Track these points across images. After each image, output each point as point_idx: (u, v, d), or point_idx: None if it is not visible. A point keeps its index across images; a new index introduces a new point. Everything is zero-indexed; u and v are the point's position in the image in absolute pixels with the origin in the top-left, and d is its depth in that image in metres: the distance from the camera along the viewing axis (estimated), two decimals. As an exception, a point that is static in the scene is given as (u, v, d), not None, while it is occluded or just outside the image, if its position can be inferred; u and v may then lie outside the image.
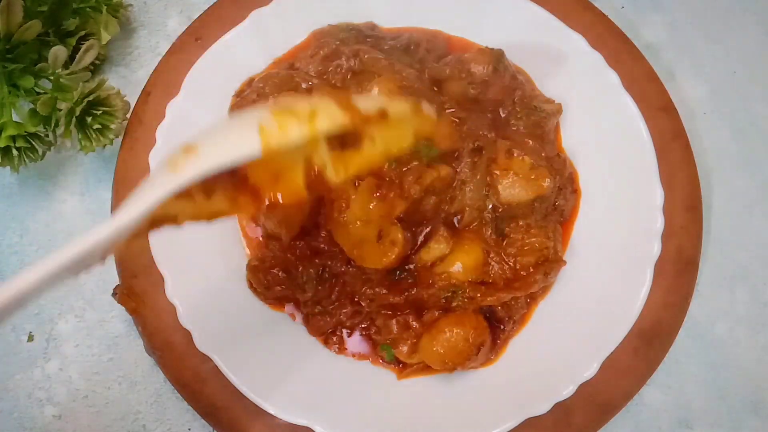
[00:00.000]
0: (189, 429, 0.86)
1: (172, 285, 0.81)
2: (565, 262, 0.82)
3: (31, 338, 0.90)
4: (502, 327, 0.82)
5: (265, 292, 0.82)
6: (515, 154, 0.81)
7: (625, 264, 0.82)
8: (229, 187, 0.56)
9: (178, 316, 0.80)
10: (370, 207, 0.75)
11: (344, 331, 0.84)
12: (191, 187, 0.52)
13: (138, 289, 0.84)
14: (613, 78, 0.87)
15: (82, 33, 0.90)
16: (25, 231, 0.93)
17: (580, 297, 0.83)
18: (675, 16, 1.01)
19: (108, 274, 0.90)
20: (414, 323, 0.80)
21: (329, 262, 0.81)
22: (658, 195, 0.83)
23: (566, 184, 0.85)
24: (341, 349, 0.83)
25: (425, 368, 0.81)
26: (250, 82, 0.90)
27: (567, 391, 0.77)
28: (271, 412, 0.77)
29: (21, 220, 0.94)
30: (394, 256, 0.76)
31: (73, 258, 0.47)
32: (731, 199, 0.92)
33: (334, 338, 0.83)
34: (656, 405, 0.85)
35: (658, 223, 0.82)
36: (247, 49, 0.91)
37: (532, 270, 0.80)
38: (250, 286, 0.84)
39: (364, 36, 0.91)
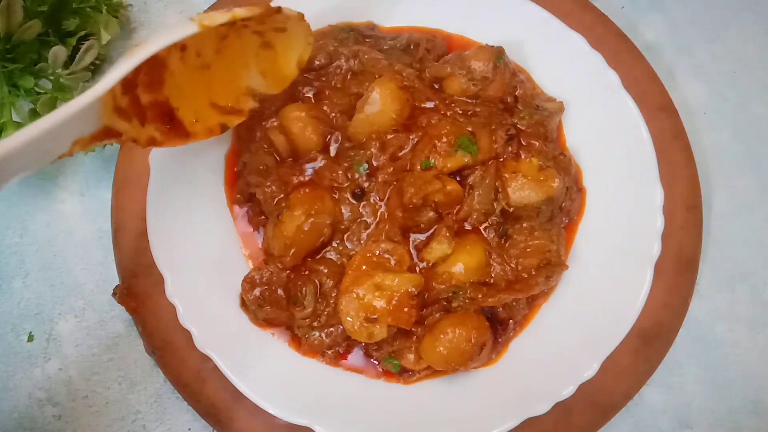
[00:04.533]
0: (189, 429, 0.86)
1: (172, 285, 0.81)
2: (567, 267, 0.82)
3: (31, 338, 0.90)
4: (503, 328, 0.82)
5: (257, 310, 0.81)
6: (522, 156, 0.82)
7: (625, 264, 0.82)
8: (159, 120, 0.74)
9: (178, 316, 0.80)
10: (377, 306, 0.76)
11: (338, 349, 0.83)
12: (129, 110, 0.70)
13: (138, 289, 0.84)
14: (613, 78, 0.87)
15: (82, 33, 0.90)
16: (25, 231, 0.93)
17: (581, 297, 0.82)
18: (675, 16, 1.01)
19: (108, 274, 0.90)
20: (415, 328, 0.79)
21: (326, 279, 0.80)
22: (658, 195, 0.83)
23: (572, 183, 0.85)
24: (336, 362, 0.82)
25: (431, 372, 0.80)
26: None
27: (567, 391, 0.77)
28: (271, 412, 0.77)
29: (21, 220, 0.94)
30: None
31: (42, 131, 0.57)
32: (731, 199, 0.92)
33: (330, 351, 0.82)
34: (656, 405, 0.85)
35: (658, 223, 0.82)
36: None
37: (534, 272, 0.80)
38: (242, 304, 0.83)
39: (364, 36, 0.91)
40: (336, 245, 0.82)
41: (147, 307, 0.83)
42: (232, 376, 0.78)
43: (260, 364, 0.80)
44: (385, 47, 0.90)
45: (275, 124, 0.84)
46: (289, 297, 0.80)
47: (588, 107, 0.88)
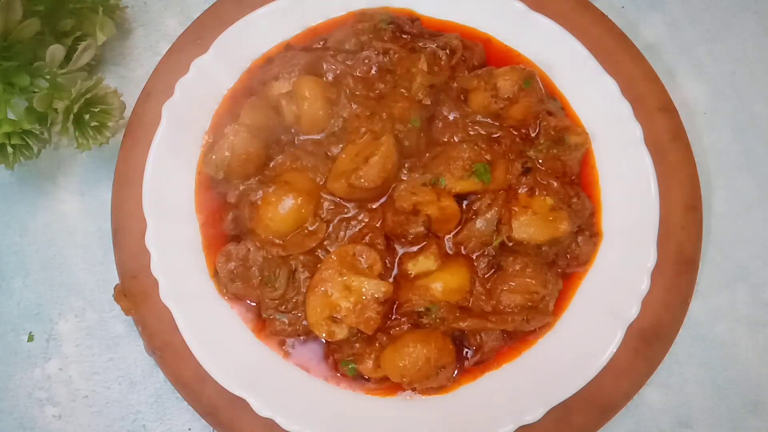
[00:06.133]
0: (189, 429, 0.86)
1: (166, 288, 0.81)
2: (550, 323, 0.81)
3: (31, 338, 0.89)
4: (473, 354, 0.81)
5: (228, 284, 0.82)
6: (537, 193, 0.81)
7: (622, 267, 0.82)
8: None
9: (175, 319, 0.81)
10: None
11: (294, 340, 0.83)
12: None
13: (138, 289, 0.84)
14: (610, 83, 0.86)
15: (78, 33, 0.90)
16: (25, 231, 0.93)
17: (578, 303, 0.83)
18: (675, 16, 1.01)
19: (108, 274, 0.90)
20: (380, 335, 0.79)
21: (301, 268, 0.81)
22: (655, 198, 0.83)
23: (586, 227, 0.84)
24: (286, 354, 0.82)
25: (393, 387, 0.80)
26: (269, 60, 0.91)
27: (562, 395, 0.77)
28: (268, 415, 0.78)
29: (21, 220, 0.94)
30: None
31: None
32: (731, 199, 0.92)
33: (287, 343, 0.82)
34: (656, 405, 0.85)
35: (655, 228, 0.82)
36: (283, 17, 0.92)
37: (515, 310, 0.80)
38: (214, 274, 0.83)
39: (402, 31, 0.90)
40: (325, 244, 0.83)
41: (147, 307, 0.83)
42: (225, 379, 0.78)
43: (254, 368, 0.81)
44: (420, 45, 0.88)
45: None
46: (262, 276, 0.81)
47: (608, 155, 0.87)
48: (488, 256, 0.81)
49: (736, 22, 1.00)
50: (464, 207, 0.82)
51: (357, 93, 0.84)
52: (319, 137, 0.85)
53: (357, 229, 0.82)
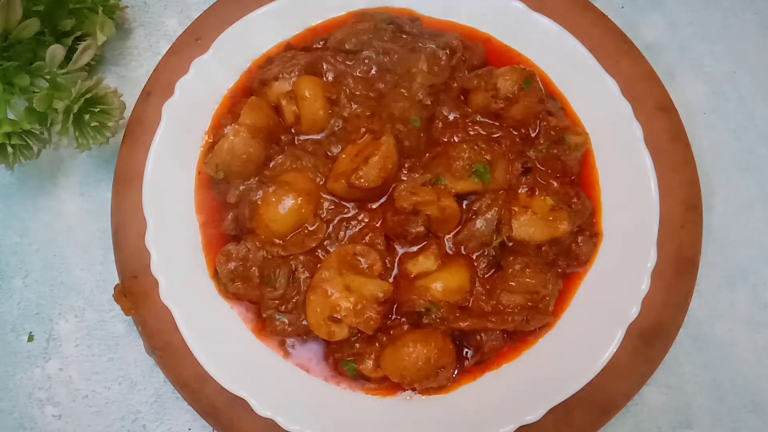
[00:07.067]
0: (189, 429, 0.86)
1: (166, 288, 0.81)
2: (550, 323, 0.81)
3: (31, 338, 0.90)
4: (473, 354, 0.81)
5: (228, 284, 0.82)
6: (537, 193, 0.81)
7: (622, 267, 0.82)
8: None
9: (175, 319, 0.81)
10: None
11: (294, 340, 0.83)
12: None
13: (138, 289, 0.84)
14: (610, 83, 0.87)
15: (78, 33, 0.90)
16: (25, 231, 0.93)
17: (578, 303, 0.83)
18: (675, 16, 1.01)
19: (108, 274, 0.90)
20: (380, 335, 0.79)
21: (301, 268, 0.81)
22: (655, 198, 0.83)
23: (586, 227, 0.84)
24: (286, 354, 0.82)
25: (393, 387, 0.80)
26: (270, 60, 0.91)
27: (562, 395, 0.77)
28: (268, 415, 0.78)
29: (21, 220, 0.94)
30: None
31: None
32: (731, 199, 0.92)
33: (287, 343, 0.82)
34: (656, 405, 0.85)
35: (655, 228, 0.82)
36: (283, 16, 0.92)
37: (515, 310, 0.80)
38: (214, 275, 0.83)
39: (402, 31, 0.90)
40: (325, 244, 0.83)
41: (147, 307, 0.83)
42: (223, 379, 0.78)
43: (254, 369, 0.81)
44: (419, 44, 0.88)
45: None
46: (262, 276, 0.81)
47: (608, 155, 0.87)
48: (488, 256, 0.81)
49: (736, 22, 1.00)
50: (464, 207, 0.82)
51: (357, 93, 0.85)
52: (319, 137, 0.85)
53: (357, 229, 0.82)
